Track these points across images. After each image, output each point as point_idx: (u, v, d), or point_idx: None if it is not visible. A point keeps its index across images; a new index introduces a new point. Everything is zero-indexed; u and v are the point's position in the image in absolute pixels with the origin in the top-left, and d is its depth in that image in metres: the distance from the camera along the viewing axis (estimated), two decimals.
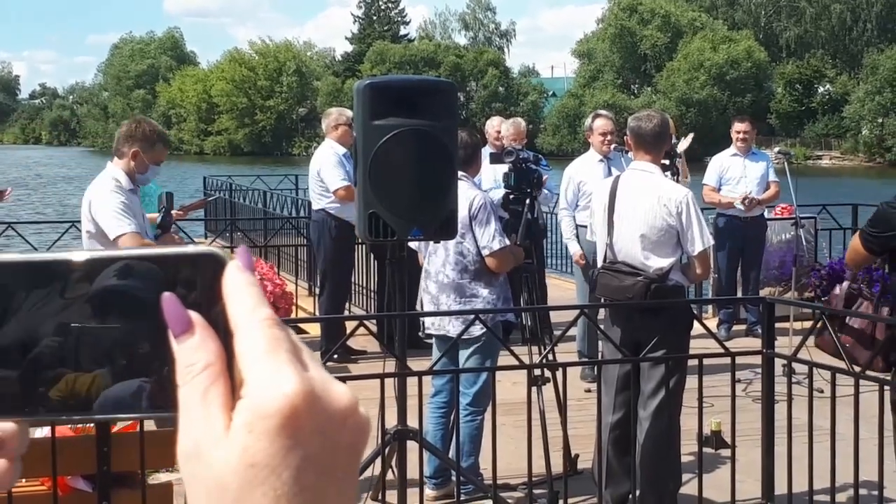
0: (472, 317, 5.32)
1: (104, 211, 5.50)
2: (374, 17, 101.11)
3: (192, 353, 0.63)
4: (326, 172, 8.66)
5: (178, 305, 0.64)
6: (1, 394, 0.67)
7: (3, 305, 0.67)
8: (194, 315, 0.64)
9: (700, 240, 5.46)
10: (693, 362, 5.41)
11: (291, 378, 0.61)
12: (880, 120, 66.55)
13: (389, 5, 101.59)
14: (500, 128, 9.59)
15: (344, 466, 0.63)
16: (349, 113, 9.02)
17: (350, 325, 5.37)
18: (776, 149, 10.54)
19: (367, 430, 0.65)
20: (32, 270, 0.67)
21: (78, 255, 0.67)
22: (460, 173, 5.38)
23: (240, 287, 0.64)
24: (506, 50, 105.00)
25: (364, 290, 10.81)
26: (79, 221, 6.07)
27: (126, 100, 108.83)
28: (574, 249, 8.45)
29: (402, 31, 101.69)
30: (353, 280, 10.26)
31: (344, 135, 8.78)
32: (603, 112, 8.92)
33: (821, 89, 75.72)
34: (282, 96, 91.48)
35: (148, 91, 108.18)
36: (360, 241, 9.49)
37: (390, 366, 5.11)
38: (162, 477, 5.39)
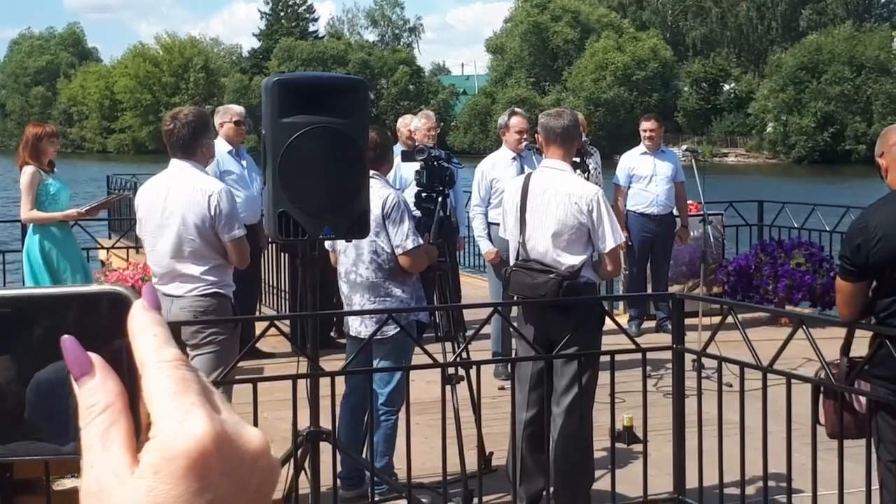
0: (385, 316, 5.28)
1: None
2: (282, 14, 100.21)
3: (92, 394, 0.63)
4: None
5: (77, 348, 0.63)
6: None
7: None
8: (94, 356, 0.63)
9: (611, 237, 5.50)
10: (605, 358, 5.45)
11: (201, 420, 0.60)
12: (784, 117, 68.11)
13: (297, 1, 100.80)
14: (412, 125, 9.55)
15: None
16: (234, 109, 8.97)
17: (260, 326, 5.28)
18: (684, 146, 10.74)
19: (277, 473, 0.65)
20: None
21: None
22: (372, 172, 5.33)
23: (146, 327, 0.64)
24: (415, 46, 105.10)
25: (275, 290, 10.70)
26: None
27: (24, 97, 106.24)
28: (486, 247, 8.46)
29: (311, 28, 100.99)
30: (263, 280, 10.14)
31: (227, 132, 8.70)
32: (519, 110, 8.92)
33: (726, 87, 77.25)
34: (188, 93, 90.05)
35: (47, 88, 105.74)
36: (269, 240, 9.38)
37: (303, 367, 5.05)
38: (67, 483, 5.25)
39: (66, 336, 0.63)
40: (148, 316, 0.64)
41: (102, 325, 0.64)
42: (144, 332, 0.64)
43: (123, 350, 0.64)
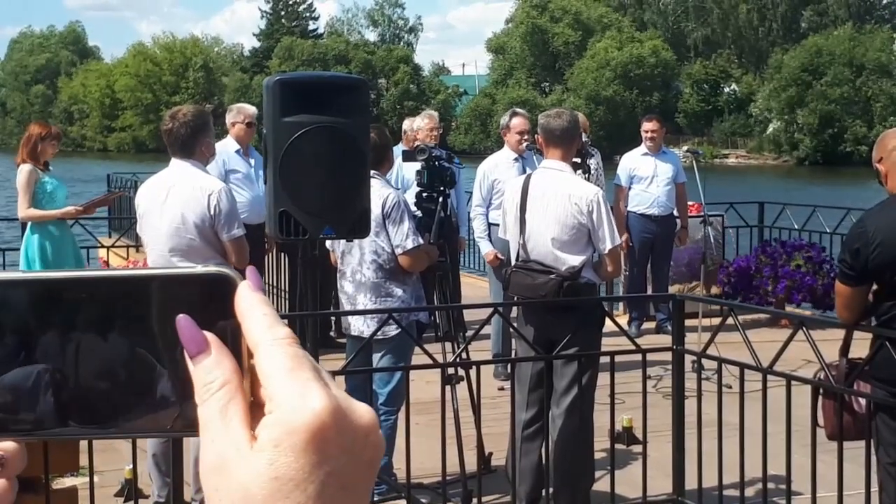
0: (385, 316, 5.28)
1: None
2: (283, 13, 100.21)
3: (209, 371, 0.64)
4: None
5: (192, 326, 0.65)
6: (10, 412, 0.67)
7: (13, 323, 0.66)
8: (209, 335, 0.65)
9: (610, 238, 5.51)
10: (605, 359, 5.45)
11: (319, 395, 0.62)
12: (784, 118, 68.14)
13: (298, 1, 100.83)
14: (414, 125, 9.53)
15: (364, 482, 0.64)
16: (248, 110, 8.88)
17: None
18: (684, 148, 10.80)
19: (384, 448, 0.66)
20: (42, 288, 0.67)
21: (89, 274, 0.67)
22: (372, 171, 5.33)
23: (255, 306, 0.65)
24: (414, 46, 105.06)
25: (275, 290, 10.70)
26: None
27: (25, 96, 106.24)
28: (486, 249, 8.45)
29: (311, 27, 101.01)
30: (264, 279, 10.13)
31: (238, 132, 8.65)
32: (520, 111, 8.90)
33: (727, 89, 77.27)
34: (188, 92, 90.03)
35: (48, 86, 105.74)
36: (267, 239, 9.37)
37: None
38: (66, 482, 5.25)
39: (181, 315, 0.65)
40: (255, 296, 0.66)
41: (207, 306, 0.66)
42: (254, 312, 0.65)
43: (229, 330, 0.65)
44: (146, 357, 0.66)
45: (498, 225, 7.23)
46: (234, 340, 0.65)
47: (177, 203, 5.50)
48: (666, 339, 6.09)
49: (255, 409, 0.64)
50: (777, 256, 10.63)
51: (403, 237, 5.65)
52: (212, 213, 5.48)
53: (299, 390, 0.62)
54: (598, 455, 5.81)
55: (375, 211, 5.38)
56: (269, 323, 0.65)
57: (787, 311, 9.88)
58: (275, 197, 4.69)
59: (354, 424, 0.63)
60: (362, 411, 0.64)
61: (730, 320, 5.20)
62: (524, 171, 7.75)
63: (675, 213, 10.18)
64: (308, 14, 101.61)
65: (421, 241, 5.76)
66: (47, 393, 0.67)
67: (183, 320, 0.65)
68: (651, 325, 10.26)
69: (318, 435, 0.61)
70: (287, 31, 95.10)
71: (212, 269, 0.67)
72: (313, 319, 5.14)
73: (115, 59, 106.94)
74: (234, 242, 5.56)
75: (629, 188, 10.10)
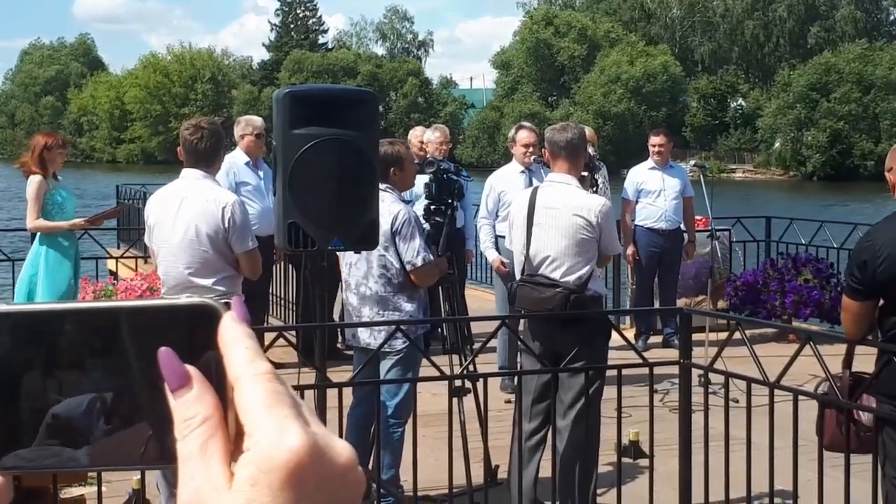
0: (392, 328, 5.29)
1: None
2: (292, 26, 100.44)
3: (190, 406, 0.64)
4: None
5: (174, 360, 0.64)
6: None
7: None
8: (191, 369, 0.64)
9: (612, 248, 5.75)
10: (612, 373, 5.45)
11: (297, 433, 0.62)
12: (792, 135, 68.07)
13: (307, 14, 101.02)
14: (423, 137, 9.58)
15: None
16: (256, 122, 8.90)
17: (268, 337, 5.29)
18: (691, 162, 10.85)
19: (364, 486, 0.65)
20: (21, 320, 0.66)
21: (71, 306, 0.67)
22: (384, 186, 5.35)
23: (237, 339, 0.65)
24: (423, 60, 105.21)
25: (283, 302, 10.71)
26: None
27: (34, 107, 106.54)
28: (492, 257, 8.48)
29: (321, 40, 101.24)
30: (271, 291, 10.15)
31: (248, 144, 8.67)
32: (526, 124, 8.95)
33: (733, 104, 77.25)
34: (197, 104, 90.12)
35: (57, 98, 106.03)
36: (275, 251, 9.39)
37: (310, 378, 5.06)
38: (74, 491, 5.27)
39: (163, 348, 0.64)
40: (239, 328, 0.65)
41: (191, 338, 0.65)
42: (236, 345, 0.65)
43: (214, 361, 0.65)
44: (128, 389, 0.66)
45: (504, 237, 7.26)
46: (218, 371, 0.65)
47: (190, 215, 5.51)
48: (673, 353, 6.09)
49: (240, 440, 0.63)
50: (784, 271, 10.63)
51: (414, 254, 5.65)
52: (226, 225, 5.49)
53: (277, 428, 0.62)
54: (604, 469, 5.81)
55: (385, 227, 5.39)
56: (249, 357, 0.64)
57: (794, 325, 9.87)
58: (284, 208, 4.72)
59: (332, 462, 0.63)
60: (340, 449, 0.63)
61: (737, 334, 5.21)
62: (531, 184, 7.77)
63: (683, 227, 10.19)
64: (317, 27, 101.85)
65: (431, 256, 5.77)
66: (26, 424, 0.66)
67: (164, 354, 0.64)
68: (658, 338, 10.25)
69: (295, 473, 0.61)
70: (296, 45, 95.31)
71: (195, 299, 0.66)
72: (321, 331, 5.16)
73: (125, 70, 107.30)
74: (247, 255, 5.57)
75: (636, 202, 10.11)
